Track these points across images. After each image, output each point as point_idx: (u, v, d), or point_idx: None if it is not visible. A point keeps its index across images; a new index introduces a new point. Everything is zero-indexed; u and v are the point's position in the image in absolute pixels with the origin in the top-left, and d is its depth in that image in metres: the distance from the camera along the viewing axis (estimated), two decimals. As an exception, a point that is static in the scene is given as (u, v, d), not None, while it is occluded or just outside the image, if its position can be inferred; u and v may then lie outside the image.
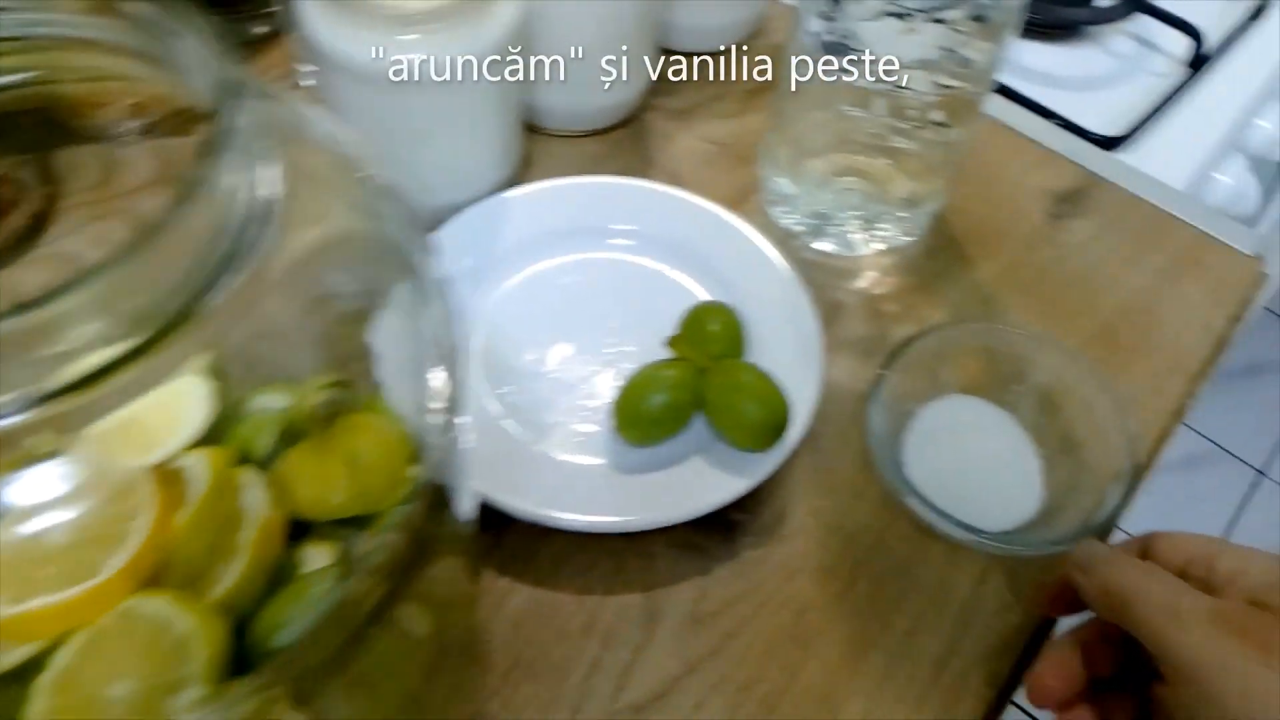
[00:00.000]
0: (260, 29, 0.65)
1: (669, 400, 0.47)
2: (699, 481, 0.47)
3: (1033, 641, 0.46)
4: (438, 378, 0.29)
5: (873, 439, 0.47)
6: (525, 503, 0.45)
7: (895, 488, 0.46)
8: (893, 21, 0.47)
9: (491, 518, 0.46)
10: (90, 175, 0.34)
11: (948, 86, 0.49)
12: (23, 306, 0.17)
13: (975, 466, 0.50)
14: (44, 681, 0.25)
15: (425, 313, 0.28)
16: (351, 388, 0.30)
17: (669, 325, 0.51)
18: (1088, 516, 0.45)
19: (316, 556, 0.30)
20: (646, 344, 0.51)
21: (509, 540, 0.46)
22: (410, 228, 0.28)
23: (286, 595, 0.28)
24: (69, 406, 0.20)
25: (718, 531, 0.48)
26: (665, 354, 0.49)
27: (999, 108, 0.67)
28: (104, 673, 0.25)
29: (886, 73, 0.48)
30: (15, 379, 0.19)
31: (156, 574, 0.26)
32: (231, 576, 0.27)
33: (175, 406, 0.29)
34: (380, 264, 0.29)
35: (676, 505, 0.46)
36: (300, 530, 0.29)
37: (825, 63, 0.49)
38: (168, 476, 0.27)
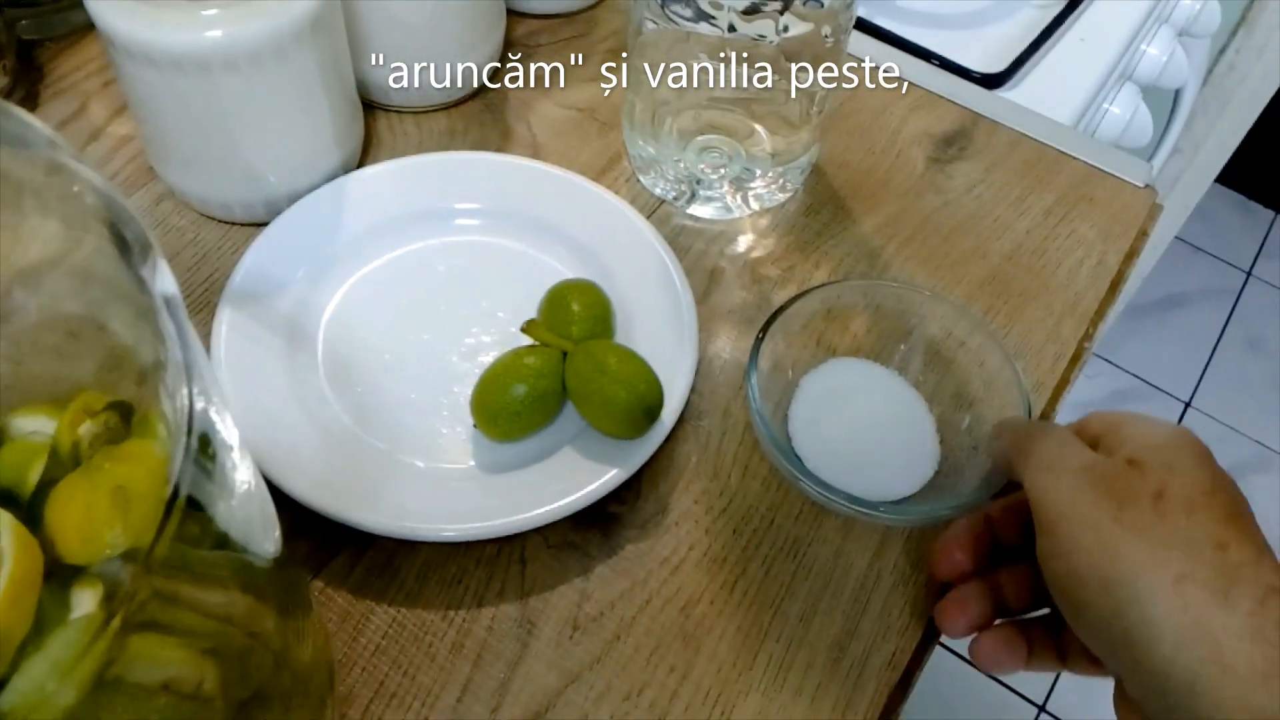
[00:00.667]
0: (79, 19, 0.60)
1: (530, 390, 0.43)
2: (571, 475, 0.43)
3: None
4: (179, 401, 0.25)
5: (754, 413, 0.43)
6: (381, 517, 0.41)
7: (781, 466, 0.43)
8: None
9: (347, 536, 0.42)
10: None
11: (800, 34, 0.46)
12: None
13: (866, 433, 0.46)
14: None
15: (148, 333, 0.23)
16: (124, 408, 0.26)
17: (530, 309, 0.47)
18: (987, 475, 0.43)
19: (85, 601, 0.26)
20: (508, 332, 0.47)
21: (368, 559, 0.43)
22: (132, 241, 0.23)
23: (33, 655, 0.24)
24: None
25: (596, 527, 0.44)
26: (525, 341, 0.45)
27: (871, 50, 0.64)
28: None
29: (736, 16, 0.44)
30: None
31: None
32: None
33: None
34: (97, 283, 0.25)
35: (547, 503, 0.42)
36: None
37: (669, 11, 0.46)
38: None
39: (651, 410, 0.42)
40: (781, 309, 0.45)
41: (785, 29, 0.45)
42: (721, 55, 0.47)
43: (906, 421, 0.47)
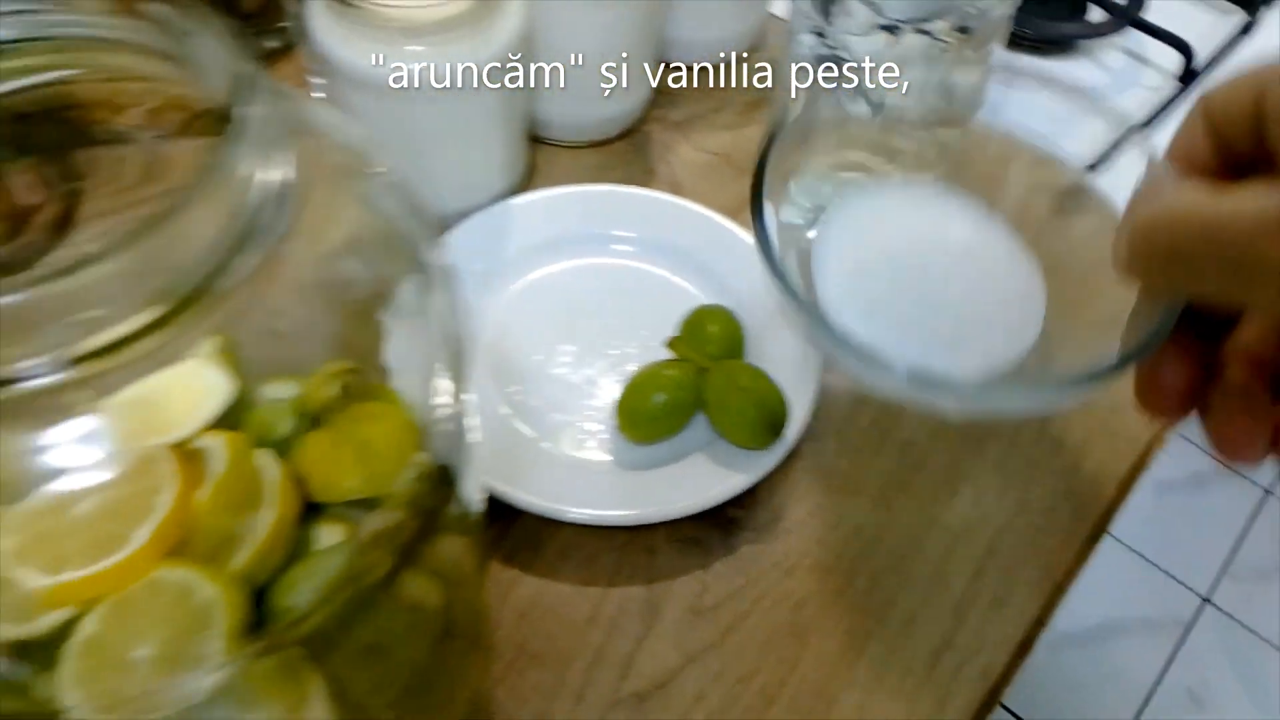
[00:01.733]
0: (272, 43, 0.67)
1: (669, 399, 0.48)
2: (699, 478, 0.48)
3: (1026, 639, 0.47)
4: (442, 367, 0.30)
5: (770, 263, 0.34)
6: (532, 496, 0.46)
7: (811, 334, 0.32)
8: (882, 35, 0.48)
9: (499, 511, 0.47)
10: (111, 176, 0.35)
11: (938, 97, 0.51)
12: (54, 274, 0.18)
13: (943, 285, 0.36)
14: (73, 646, 0.26)
15: (431, 304, 0.29)
16: (362, 375, 0.32)
17: (670, 328, 0.52)
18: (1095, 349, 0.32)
19: (329, 535, 0.31)
20: (648, 346, 0.53)
21: (516, 533, 0.48)
22: (418, 222, 0.29)
23: (300, 568, 0.30)
24: (93, 372, 0.21)
25: (718, 527, 0.49)
26: (666, 355, 0.50)
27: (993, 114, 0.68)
28: (130, 637, 0.26)
29: (884, 82, 0.49)
30: (43, 343, 0.20)
31: (179, 546, 0.28)
32: (250, 550, 0.29)
33: (192, 392, 0.30)
34: (389, 256, 0.30)
35: (677, 500, 0.47)
36: (312, 510, 0.30)
37: (825, 70, 0.51)
38: (188, 456, 0.29)
39: (777, 425, 0.47)
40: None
41: (935, 96, 0.50)
42: (867, 117, 0.52)
43: (999, 271, 0.36)
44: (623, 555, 0.48)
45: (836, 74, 0.51)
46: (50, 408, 0.22)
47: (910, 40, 0.48)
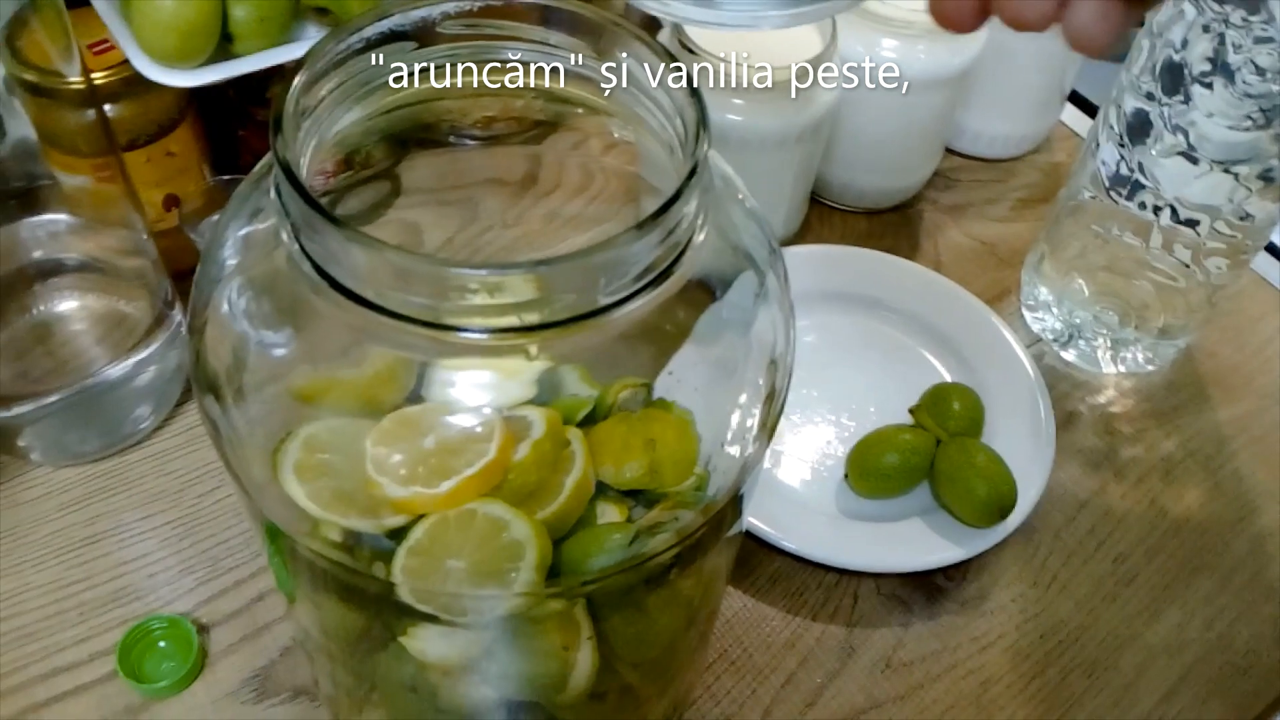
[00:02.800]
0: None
1: (902, 462, 0.52)
2: (915, 541, 0.51)
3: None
4: (754, 393, 0.34)
5: None
6: (759, 521, 0.50)
7: None
8: (1185, 163, 0.50)
9: (725, 527, 0.51)
10: (432, 167, 0.41)
11: (1224, 234, 0.52)
12: (539, 261, 0.24)
13: None
14: (406, 544, 0.32)
15: (764, 317, 0.33)
16: (648, 390, 0.36)
17: (911, 397, 0.55)
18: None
19: (608, 512, 0.36)
20: (887, 408, 0.56)
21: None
22: (768, 244, 0.33)
23: (590, 533, 0.34)
24: (521, 342, 0.27)
25: (923, 591, 0.52)
26: (904, 420, 0.54)
27: (1265, 263, 0.68)
28: (447, 548, 0.31)
29: (1174, 210, 0.51)
30: (499, 308, 0.25)
31: (496, 490, 0.33)
32: (556, 505, 0.34)
33: (519, 371, 0.36)
34: (735, 267, 0.34)
35: (890, 557, 0.50)
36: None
37: (1114, 189, 0.53)
38: (511, 420, 0.34)
39: (1005, 509, 0.50)
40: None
41: (1221, 233, 0.52)
42: (1147, 237, 0.54)
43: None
44: (829, 595, 0.51)
45: (1125, 194, 0.53)
46: (471, 354, 0.28)
47: (1214, 177, 0.50)
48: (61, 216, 0.53)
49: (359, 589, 0.33)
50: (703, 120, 0.27)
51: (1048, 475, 0.53)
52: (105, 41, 0.52)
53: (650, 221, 0.25)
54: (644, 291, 0.26)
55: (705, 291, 0.34)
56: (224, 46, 0.50)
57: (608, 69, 0.31)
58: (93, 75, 0.50)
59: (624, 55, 0.30)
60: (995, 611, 0.51)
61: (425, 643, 0.33)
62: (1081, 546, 0.54)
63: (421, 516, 0.32)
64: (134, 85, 0.51)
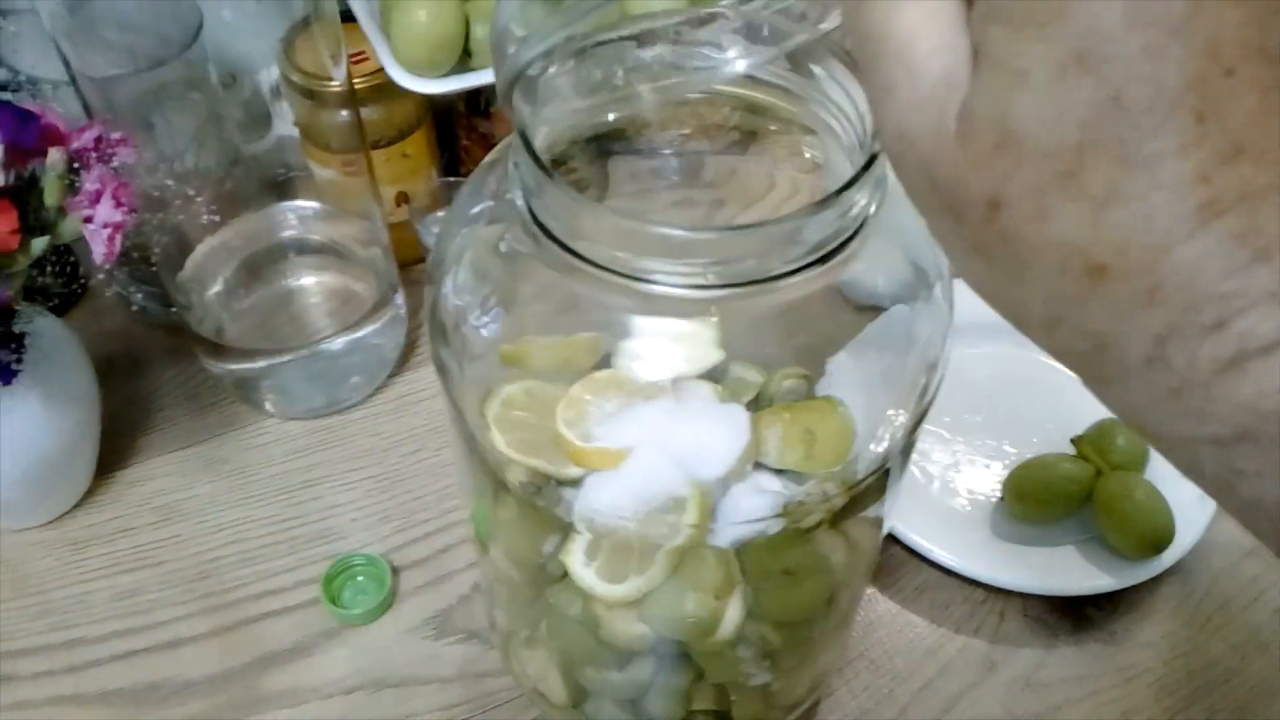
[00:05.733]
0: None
1: (1061, 489, 0.53)
2: (1067, 567, 0.52)
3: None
4: (904, 397, 0.37)
5: None
6: (912, 532, 0.52)
7: None
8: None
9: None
10: (629, 178, 0.46)
11: None
12: (693, 228, 0.28)
13: None
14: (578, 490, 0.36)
15: (925, 323, 0.36)
16: (810, 381, 0.40)
17: (1075, 429, 0.56)
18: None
19: (765, 482, 0.39)
20: (1050, 439, 0.57)
21: (885, 558, 0.54)
22: (935, 253, 0.36)
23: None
24: (708, 298, 0.30)
25: (1070, 617, 0.52)
26: (1067, 451, 0.55)
27: None
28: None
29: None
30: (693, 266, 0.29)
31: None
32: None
33: (697, 346, 0.39)
34: (904, 273, 0.37)
35: (1040, 579, 0.52)
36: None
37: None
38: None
39: (1160, 544, 0.50)
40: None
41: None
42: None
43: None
44: (974, 610, 0.53)
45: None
46: (661, 310, 0.32)
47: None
48: (311, 204, 0.61)
49: (548, 517, 0.37)
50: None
51: (1210, 517, 0.53)
52: (361, 53, 0.59)
53: (826, 201, 0.28)
54: (812, 266, 0.30)
55: (870, 299, 0.37)
56: (464, 60, 0.57)
57: (800, 79, 0.35)
58: (354, 81, 0.57)
59: (815, 68, 0.34)
60: (1144, 646, 0.52)
61: (592, 578, 0.37)
62: (1242, 593, 0.53)
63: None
64: (383, 92, 0.59)
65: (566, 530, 0.37)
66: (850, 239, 0.30)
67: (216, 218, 0.57)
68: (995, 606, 0.53)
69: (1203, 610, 0.53)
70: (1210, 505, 0.53)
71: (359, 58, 0.59)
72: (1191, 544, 0.52)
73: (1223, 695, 0.50)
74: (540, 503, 0.37)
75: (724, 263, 0.29)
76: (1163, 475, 0.54)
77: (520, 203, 0.31)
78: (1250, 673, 0.51)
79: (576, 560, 0.37)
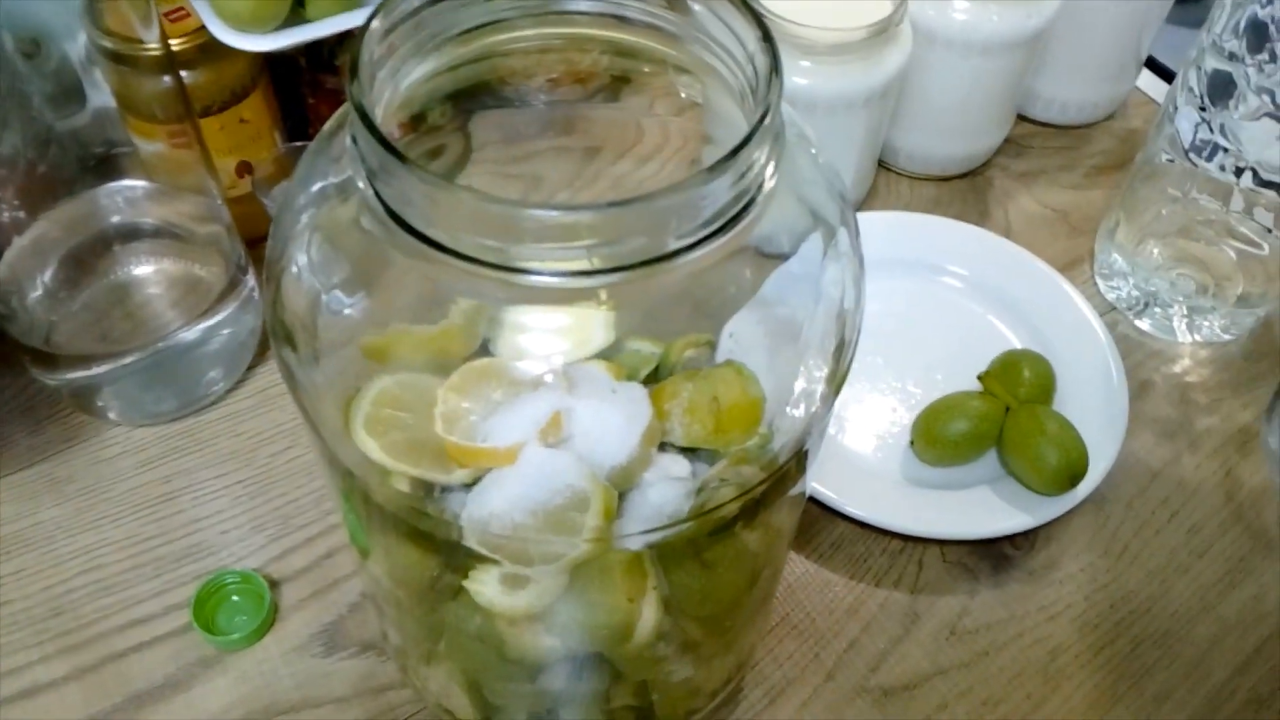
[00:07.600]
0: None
1: (970, 429, 0.51)
2: (981, 509, 0.50)
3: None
4: (820, 353, 0.34)
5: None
6: (823, 487, 0.50)
7: None
8: (1271, 124, 0.49)
9: (789, 492, 0.51)
10: (498, 131, 0.41)
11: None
12: (613, 203, 0.24)
13: None
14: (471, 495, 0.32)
15: (833, 273, 0.33)
16: (712, 348, 0.36)
17: (980, 364, 0.54)
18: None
19: (672, 466, 0.36)
20: (954, 376, 0.55)
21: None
22: (840, 199, 0.33)
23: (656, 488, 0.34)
24: (595, 284, 0.26)
25: (989, 559, 0.51)
26: (972, 388, 0.53)
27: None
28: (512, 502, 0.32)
29: (1256, 173, 0.50)
30: (574, 250, 0.25)
31: (559, 442, 0.33)
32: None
33: (585, 328, 0.36)
34: (805, 224, 0.34)
35: (956, 524, 0.50)
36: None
37: (1193, 152, 0.52)
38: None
39: (1075, 477, 0.49)
40: None
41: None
42: (1229, 200, 0.52)
43: None
44: (893, 562, 0.51)
45: (1204, 156, 0.52)
46: (541, 299, 0.28)
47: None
48: (139, 182, 0.54)
49: (429, 536, 0.33)
50: (775, 66, 0.27)
51: (1120, 444, 0.52)
52: (180, 9, 0.53)
53: (721, 164, 0.24)
54: (713, 237, 0.26)
55: (773, 253, 0.34)
56: (297, 12, 0.51)
57: (677, 18, 0.31)
58: (170, 42, 0.50)
59: (694, 4, 0.30)
60: (1064, 581, 0.50)
61: (492, 591, 0.34)
62: (1154, 517, 0.53)
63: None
64: (209, 52, 0.52)
65: (456, 539, 0.33)
66: (751, 202, 0.26)
67: (21, 213, 0.50)
68: (914, 555, 0.51)
69: (1119, 539, 0.52)
70: (1120, 431, 0.52)
71: (178, 14, 0.53)
72: (1104, 474, 0.51)
73: (1146, 624, 0.49)
74: (429, 508, 0.33)
75: (610, 243, 0.25)
76: (1070, 405, 0.53)
77: (362, 184, 0.26)
78: (1171, 598, 0.50)
79: (473, 574, 0.34)
